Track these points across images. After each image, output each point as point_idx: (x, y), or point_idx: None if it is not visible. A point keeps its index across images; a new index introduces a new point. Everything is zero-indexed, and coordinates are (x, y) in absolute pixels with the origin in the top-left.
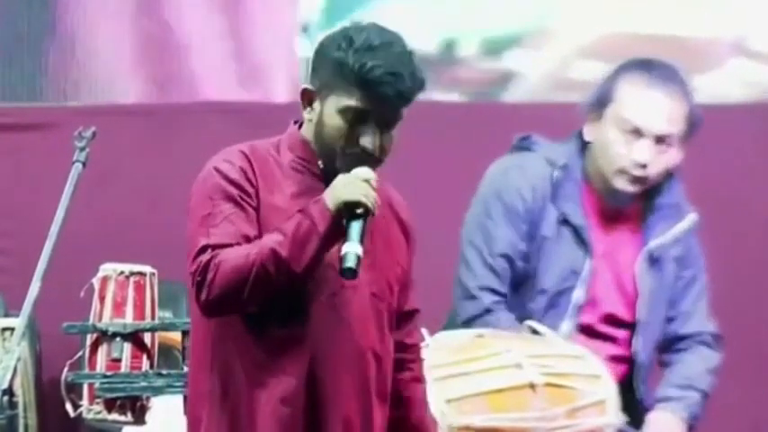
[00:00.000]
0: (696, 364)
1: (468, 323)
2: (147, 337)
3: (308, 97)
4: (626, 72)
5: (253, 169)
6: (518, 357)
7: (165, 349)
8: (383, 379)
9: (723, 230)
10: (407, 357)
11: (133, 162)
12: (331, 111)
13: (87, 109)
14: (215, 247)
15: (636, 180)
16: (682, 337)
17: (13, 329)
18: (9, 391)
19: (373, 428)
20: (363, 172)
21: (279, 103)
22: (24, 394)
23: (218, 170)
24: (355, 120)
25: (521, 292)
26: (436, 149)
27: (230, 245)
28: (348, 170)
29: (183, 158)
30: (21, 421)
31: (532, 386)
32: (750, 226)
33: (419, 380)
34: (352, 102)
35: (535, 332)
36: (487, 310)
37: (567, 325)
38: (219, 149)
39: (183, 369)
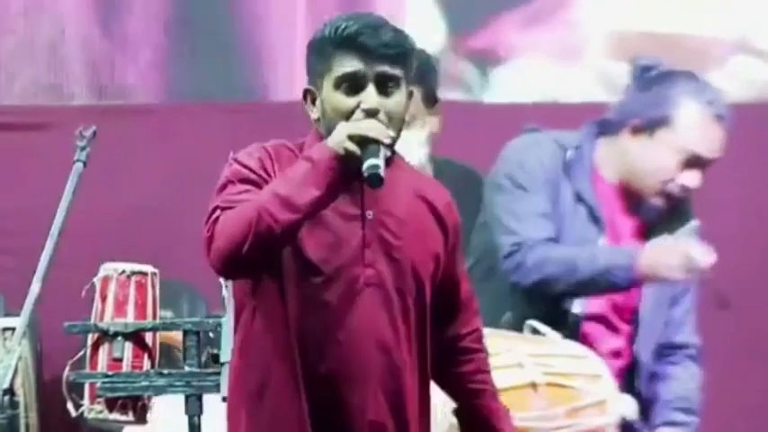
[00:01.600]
0: (690, 383)
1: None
2: (148, 337)
3: (310, 97)
4: (683, 97)
5: (272, 162)
6: (519, 357)
7: (167, 349)
8: (396, 375)
9: (725, 231)
10: (468, 347)
11: (134, 162)
12: (329, 91)
13: (87, 109)
14: (224, 207)
15: (672, 199)
16: (673, 346)
17: (14, 329)
18: (10, 391)
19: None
20: (367, 120)
21: (280, 102)
22: (26, 394)
23: (236, 160)
24: (350, 88)
25: None
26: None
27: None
28: None
29: (184, 158)
30: (22, 421)
31: (533, 386)
32: (751, 226)
33: (482, 370)
34: (342, 70)
35: (536, 332)
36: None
37: (577, 307)
38: (220, 149)
39: (184, 369)
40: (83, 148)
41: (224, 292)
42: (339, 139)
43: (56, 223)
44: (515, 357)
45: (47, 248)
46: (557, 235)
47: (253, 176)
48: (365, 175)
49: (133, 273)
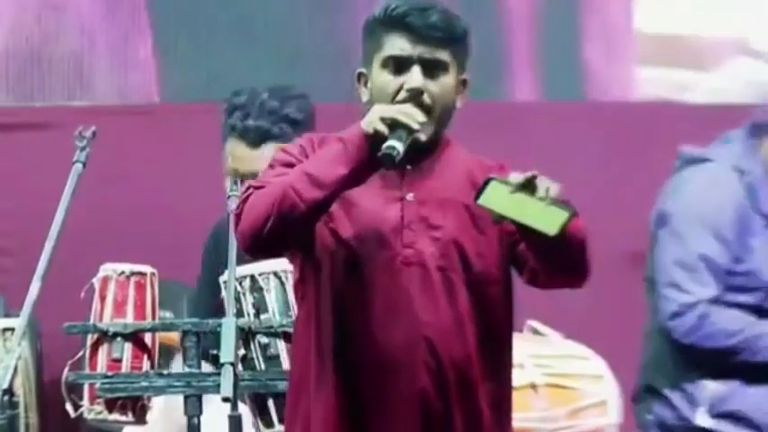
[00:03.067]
0: None
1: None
2: (147, 338)
3: (363, 80)
4: None
5: (314, 150)
6: (520, 357)
7: (166, 349)
8: (454, 359)
9: None
10: None
11: (134, 162)
12: (376, 72)
13: (87, 109)
14: (257, 187)
15: None
16: None
17: (13, 330)
18: (9, 391)
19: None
20: (404, 105)
21: None
22: (26, 394)
23: (284, 150)
24: (397, 67)
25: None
26: None
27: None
28: None
29: (184, 158)
30: (22, 421)
31: (534, 386)
32: None
33: None
34: (389, 50)
35: (537, 332)
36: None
37: None
38: (220, 150)
39: (183, 369)
40: (82, 149)
41: (223, 292)
42: (371, 119)
43: (55, 224)
44: (516, 358)
45: (46, 249)
46: (756, 268)
47: (292, 160)
48: (379, 153)
49: (132, 273)
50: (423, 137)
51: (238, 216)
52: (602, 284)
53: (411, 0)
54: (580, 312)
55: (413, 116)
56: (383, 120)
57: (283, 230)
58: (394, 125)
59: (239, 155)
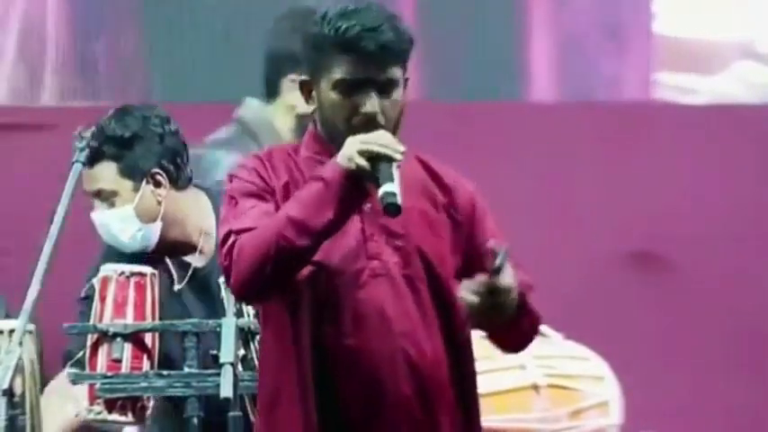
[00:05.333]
0: None
1: None
2: (147, 338)
3: (306, 89)
4: None
5: (267, 171)
6: (521, 358)
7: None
8: (426, 362)
9: (728, 232)
10: None
11: None
12: (326, 89)
13: (87, 109)
14: (238, 231)
15: None
16: None
17: None
18: (9, 392)
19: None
20: (376, 132)
21: None
22: (31, 396)
23: (233, 176)
24: (350, 90)
25: None
26: (452, 150)
27: (253, 229)
28: None
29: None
30: (27, 422)
31: (536, 387)
32: (755, 227)
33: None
34: (340, 73)
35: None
36: None
37: None
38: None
39: (183, 370)
40: (82, 149)
41: (223, 293)
42: (349, 155)
43: (55, 224)
44: (517, 359)
45: (45, 249)
46: None
47: (253, 189)
48: (382, 204)
49: (132, 274)
50: (401, 157)
51: (228, 267)
52: (603, 285)
53: (360, 16)
54: (580, 313)
55: (392, 146)
56: (362, 154)
57: (280, 278)
58: (375, 158)
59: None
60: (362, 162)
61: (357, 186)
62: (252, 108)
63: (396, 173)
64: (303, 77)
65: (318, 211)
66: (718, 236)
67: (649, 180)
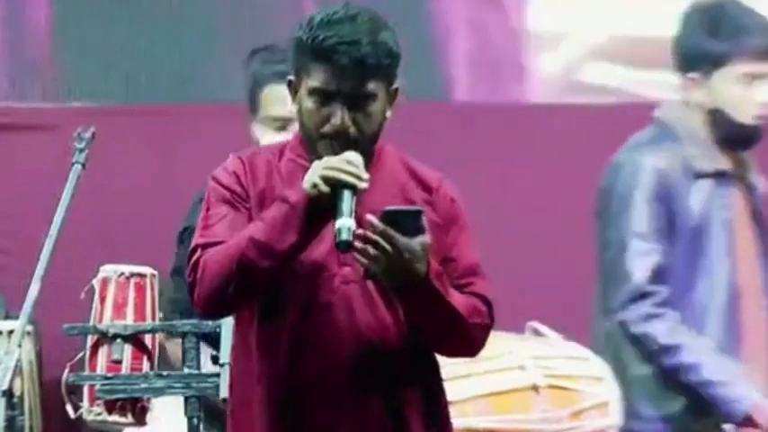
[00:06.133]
0: None
1: None
2: (147, 339)
3: (293, 88)
4: None
5: (246, 174)
6: (521, 359)
7: (166, 351)
8: (385, 364)
9: None
10: None
11: (133, 162)
12: (303, 95)
13: (87, 109)
14: (204, 246)
15: None
16: None
17: None
18: (9, 393)
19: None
20: (345, 154)
21: None
22: (30, 397)
23: (213, 177)
24: (323, 99)
25: None
26: (449, 151)
27: (220, 243)
28: (327, 152)
29: (184, 159)
30: (26, 423)
31: (535, 388)
32: None
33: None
34: (315, 82)
35: (538, 333)
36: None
37: None
38: (220, 149)
39: (183, 371)
40: (81, 150)
41: None
42: (313, 180)
43: (55, 224)
44: (517, 360)
45: (45, 250)
46: None
47: (228, 196)
48: (335, 238)
49: (132, 274)
50: (365, 186)
51: (192, 284)
52: None
53: (340, 27)
54: (580, 313)
55: (356, 173)
56: (325, 180)
57: (242, 296)
58: (338, 185)
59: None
60: (324, 189)
61: (321, 211)
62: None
63: (353, 204)
64: (290, 78)
65: (282, 234)
66: None
67: None
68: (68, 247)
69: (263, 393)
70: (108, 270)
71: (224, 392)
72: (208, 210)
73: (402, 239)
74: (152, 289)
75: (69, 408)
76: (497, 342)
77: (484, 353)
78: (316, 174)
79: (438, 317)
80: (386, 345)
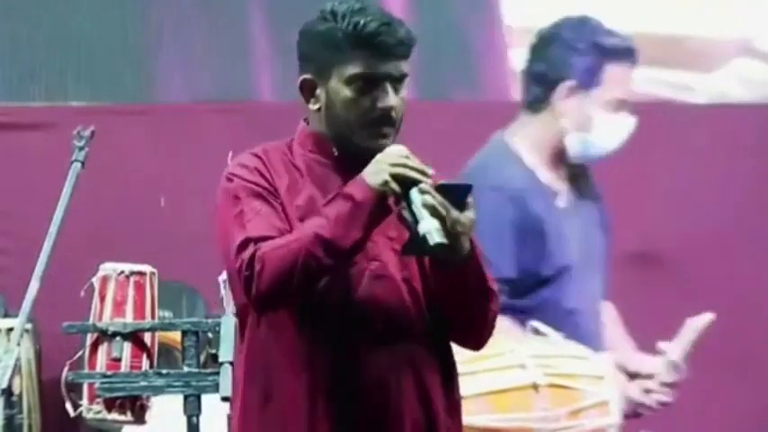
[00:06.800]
0: None
1: None
2: (147, 337)
3: (308, 88)
4: None
5: (268, 170)
6: (521, 358)
7: (165, 349)
8: (423, 368)
9: (727, 231)
10: None
11: (133, 162)
12: (338, 86)
13: (87, 109)
14: (257, 240)
15: None
16: None
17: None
18: (8, 391)
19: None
20: (396, 148)
21: (279, 102)
22: (29, 395)
23: (235, 175)
24: (366, 85)
25: None
26: (446, 149)
27: (270, 237)
28: (370, 140)
29: (184, 158)
30: (25, 422)
31: (535, 387)
32: (755, 226)
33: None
34: (357, 68)
35: (538, 332)
36: None
37: None
38: (219, 149)
39: (182, 369)
40: (81, 149)
41: (222, 292)
42: (382, 179)
43: (54, 223)
44: (517, 358)
45: (45, 248)
46: None
47: (259, 189)
48: (429, 244)
49: (132, 273)
50: (389, 144)
51: (248, 278)
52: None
53: (372, 13)
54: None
55: (420, 168)
56: (395, 178)
57: (302, 292)
58: (407, 182)
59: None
60: (397, 188)
61: (384, 205)
62: None
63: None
64: (305, 77)
65: (347, 231)
66: (718, 235)
67: (648, 179)
68: (68, 245)
69: (302, 386)
70: (108, 268)
71: (224, 391)
72: (241, 205)
73: (454, 212)
74: (151, 287)
75: (69, 406)
76: (498, 340)
77: (484, 351)
78: (384, 171)
79: (473, 294)
80: (416, 342)
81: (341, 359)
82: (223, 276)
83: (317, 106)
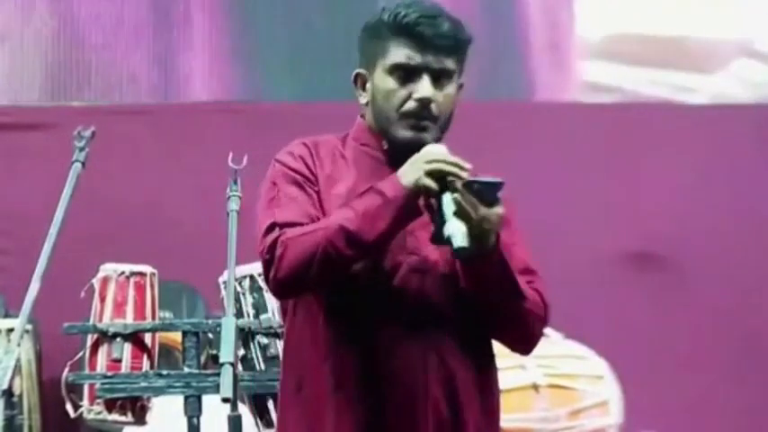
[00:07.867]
0: None
1: None
2: (147, 338)
3: (361, 81)
4: None
5: (313, 159)
6: (521, 358)
7: (166, 350)
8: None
9: (725, 229)
10: None
11: (133, 162)
12: (381, 76)
13: (87, 109)
14: (282, 225)
15: None
16: None
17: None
18: (8, 392)
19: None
20: (435, 148)
21: (279, 103)
22: (29, 396)
23: (279, 161)
24: (405, 76)
25: None
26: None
27: (298, 223)
28: (407, 131)
29: (183, 158)
30: (26, 423)
31: (535, 387)
32: (755, 226)
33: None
34: (397, 58)
35: None
36: None
37: None
38: (219, 149)
39: (183, 370)
40: (81, 149)
41: (222, 292)
42: (416, 175)
43: (54, 224)
44: (517, 359)
45: (45, 249)
46: None
47: (299, 178)
48: (451, 246)
49: (132, 273)
50: (429, 139)
51: (269, 262)
52: (603, 284)
53: (418, 5)
54: (580, 312)
55: (458, 163)
56: (430, 174)
57: (321, 282)
58: (442, 178)
59: None
60: (434, 187)
61: (415, 205)
62: None
63: (451, 207)
64: (358, 71)
65: (373, 226)
66: (718, 235)
67: (648, 179)
68: (68, 246)
69: (328, 374)
70: (108, 269)
71: (224, 392)
72: (276, 190)
73: (483, 209)
74: (152, 288)
75: (69, 406)
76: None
77: None
78: (419, 170)
79: (502, 290)
80: (449, 337)
81: (368, 349)
82: (223, 277)
83: (365, 100)
